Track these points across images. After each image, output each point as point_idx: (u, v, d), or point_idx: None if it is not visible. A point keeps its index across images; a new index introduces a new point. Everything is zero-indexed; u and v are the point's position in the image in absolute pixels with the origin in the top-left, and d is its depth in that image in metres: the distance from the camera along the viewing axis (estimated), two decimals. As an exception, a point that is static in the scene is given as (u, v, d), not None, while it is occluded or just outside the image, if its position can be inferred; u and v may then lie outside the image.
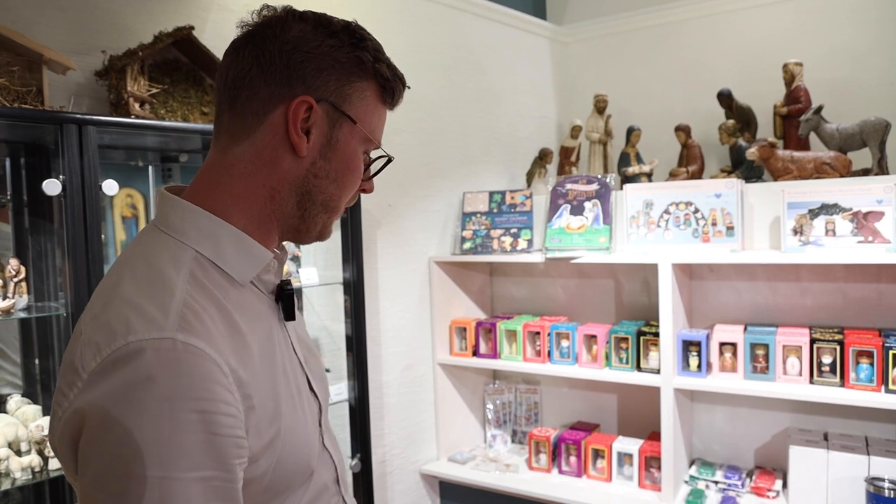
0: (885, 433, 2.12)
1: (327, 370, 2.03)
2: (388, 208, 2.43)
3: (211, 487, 0.66)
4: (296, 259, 1.98)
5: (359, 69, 0.81)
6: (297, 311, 0.90)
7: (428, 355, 2.59)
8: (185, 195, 0.80)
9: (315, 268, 1.95)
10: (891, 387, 1.88)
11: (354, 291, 1.93)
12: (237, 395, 0.70)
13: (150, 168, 1.86)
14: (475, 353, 2.55)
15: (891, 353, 1.87)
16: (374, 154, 0.87)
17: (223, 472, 0.67)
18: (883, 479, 1.88)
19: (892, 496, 1.84)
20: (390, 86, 0.85)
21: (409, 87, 0.88)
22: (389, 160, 0.89)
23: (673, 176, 2.61)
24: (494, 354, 2.51)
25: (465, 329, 2.59)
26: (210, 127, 1.53)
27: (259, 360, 0.75)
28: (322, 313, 2.20)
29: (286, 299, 0.86)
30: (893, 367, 1.87)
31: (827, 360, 1.98)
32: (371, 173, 0.88)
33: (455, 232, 2.66)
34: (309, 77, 0.79)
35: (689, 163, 2.62)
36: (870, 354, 1.91)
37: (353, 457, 1.96)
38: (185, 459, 0.64)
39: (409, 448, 2.55)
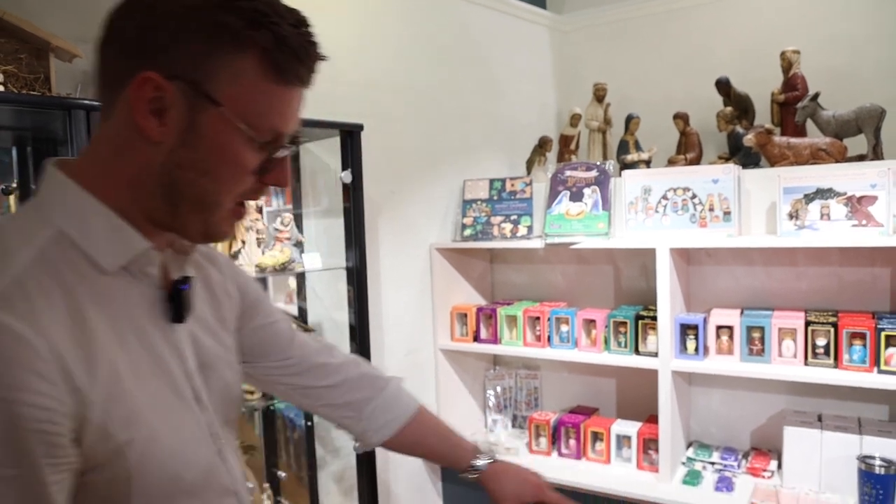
0: (878, 414, 2.16)
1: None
2: (390, 195, 2.46)
3: (9, 487, 0.58)
4: (299, 244, 2.01)
5: (227, 38, 0.66)
6: (210, 315, 0.86)
7: (429, 341, 2.63)
8: (68, 167, 0.72)
9: (318, 253, 1.98)
10: (883, 367, 1.91)
11: (357, 278, 1.97)
12: (62, 388, 0.61)
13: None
14: (476, 338, 2.59)
15: (883, 334, 1.91)
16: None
17: (23, 471, 0.59)
18: (874, 458, 1.92)
19: (882, 473, 1.88)
20: (277, 57, 0.68)
21: (324, 58, 0.73)
22: (295, 142, 0.76)
23: (671, 163, 2.64)
24: (495, 340, 2.54)
25: (465, 315, 2.62)
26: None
27: (112, 356, 0.67)
28: (325, 299, 2.24)
29: (178, 299, 0.77)
30: (886, 348, 1.91)
31: (821, 342, 2.01)
32: (272, 166, 0.74)
33: (456, 219, 2.70)
34: (162, 48, 0.66)
35: (688, 150, 2.64)
36: (863, 336, 1.95)
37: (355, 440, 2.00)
38: None
39: (411, 432, 2.58)
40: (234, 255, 1.89)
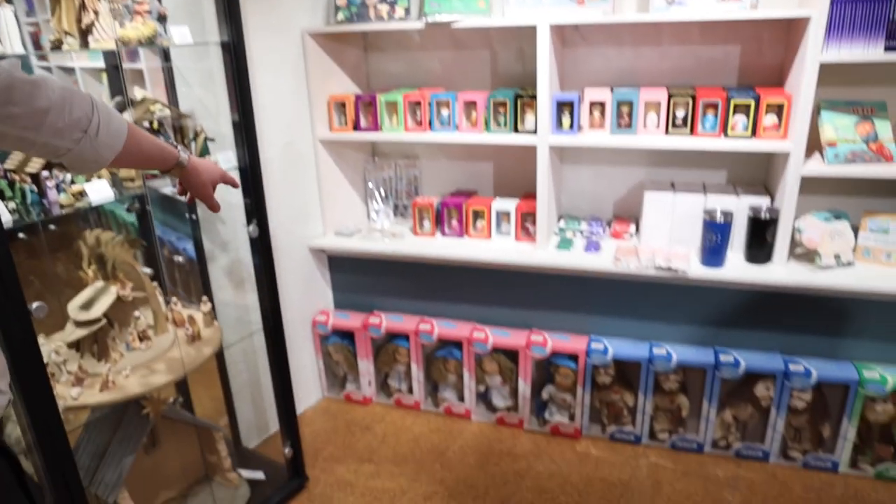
0: (719, 178, 2.47)
1: (211, 139, 1.95)
2: (252, -31, 2.21)
3: None
4: (162, 18, 1.79)
5: None
6: None
7: (307, 132, 2.55)
8: None
9: (187, 27, 1.78)
10: (729, 133, 2.16)
11: (235, 54, 1.80)
12: None
13: None
14: (356, 127, 2.55)
15: (732, 102, 2.13)
16: None
17: None
18: (716, 210, 2.23)
19: (721, 221, 2.19)
20: None
21: None
22: None
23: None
24: (375, 127, 2.52)
25: (343, 104, 2.55)
26: None
27: None
28: (194, 80, 2.05)
29: None
30: (733, 115, 2.14)
31: (680, 113, 2.21)
32: None
33: (329, 1, 2.51)
34: None
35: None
36: (715, 106, 2.16)
37: (248, 223, 1.97)
38: None
39: (297, 225, 2.59)
40: (87, 29, 1.65)
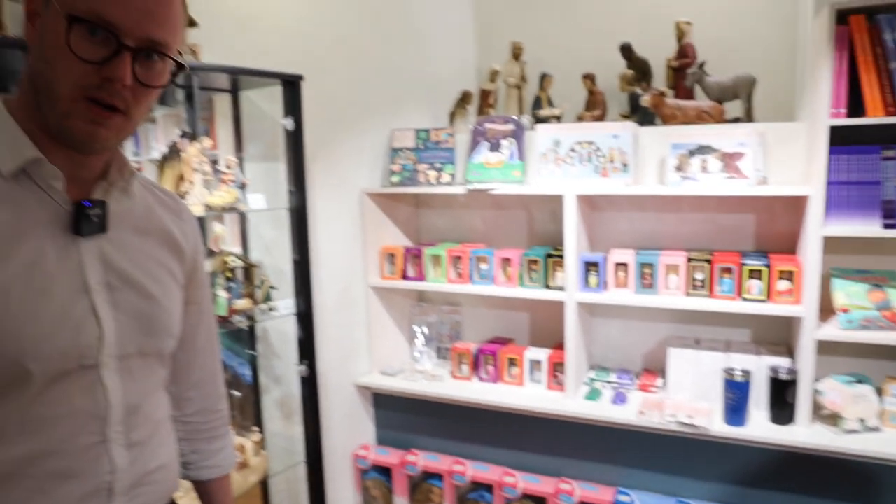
0: (742, 336, 2.58)
1: (274, 287, 2.25)
2: (322, 143, 2.61)
3: None
4: (243, 186, 2.16)
5: None
6: (140, 247, 0.95)
7: (360, 279, 2.85)
8: (7, 99, 0.87)
9: (262, 194, 2.14)
10: (745, 296, 2.30)
11: (299, 218, 2.14)
12: None
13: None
14: (404, 276, 2.83)
15: (746, 268, 2.29)
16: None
17: None
18: (735, 369, 2.33)
19: (741, 381, 2.29)
20: None
21: None
22: (101, 28, 0.79)
23: (579, 119, 2.94)
24: (421, 277, 2.80)
25: (394, 255, 2.85)
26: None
27: None
28: (265, 238, 2.40)
29: (79, 215, 0.87)
30: (748, 280, 2.30)
31: (699, 276, 2.38)
32: (103, 56, 0.80)
33: (384, 166, 2.90)
34: None
35: (594, 107, 2.94)
36: (730, 270, 2.33)
37: (300, 363, 2.21)
38: None
39: (345, 363, 2.82)
40: (183, 195, 2.02)
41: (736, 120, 2.59)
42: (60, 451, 0.85)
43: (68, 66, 0.79)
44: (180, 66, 0.88)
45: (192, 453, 1.18)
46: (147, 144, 2.39)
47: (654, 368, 2.72)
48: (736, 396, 2.27)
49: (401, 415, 2.94)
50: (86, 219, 0.88)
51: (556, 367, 2.66)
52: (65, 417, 0.85)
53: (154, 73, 0.85)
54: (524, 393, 2.67)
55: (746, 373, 2.30)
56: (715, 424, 2.29)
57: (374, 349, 2.92)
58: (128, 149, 2.26)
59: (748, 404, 2.30)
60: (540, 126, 2.63)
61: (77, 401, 0.86)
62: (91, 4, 0.78)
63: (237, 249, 2.35)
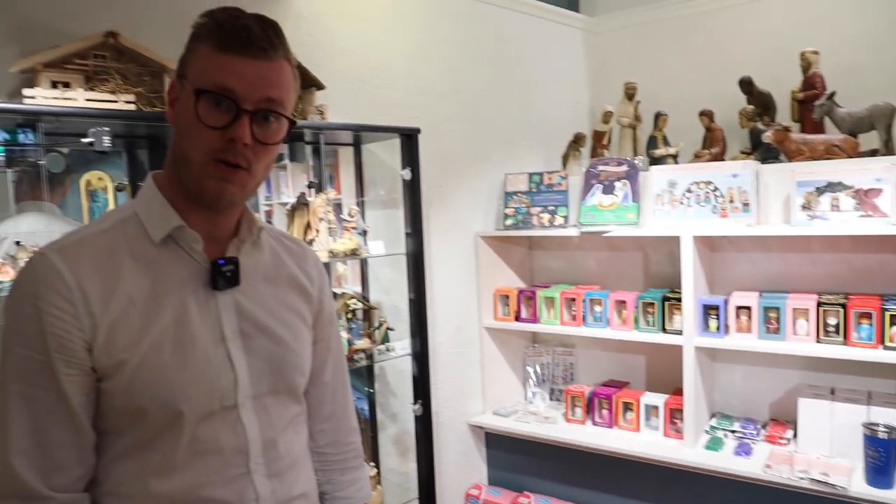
0: (887, 387, 2.36)
1: (391, 329, 2.35)
2: (438, 189, 2.73)
3: (29, 361, 0.88)
4: (364, 233, 2.30)
5: (194, 37, 0.94)
6: (272, 295, 1.05)
7: (475, 320, 2.91)
8: (157, 174, 1.01)
9: (381, 241, 2.27)
10: (888, 344, 2.12)
11: (415, 262, 2.25)
12: (80, 309, 0.88)
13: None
14: (517, 317, 2.86)
15: (888, 314, 2.12)
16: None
17: (41, 356, 0.88)
18: (878, 424, 2.14)
19: (884, 438, 2.10)
20: (220, 31, 0.91)
21: (267, 22, 0.93)
22: (227, 98, 0.90)
23: (697, 157, 2.86)
24: (535, 319, 2.81)
25: (507, 296, 2.89)
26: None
27: (130, 298, 0.92)
28: (385, 278, 2.53)
29: (216, 271, 0.99)
30: (891, 327, 2.12)
31: (832, 321, 2.23)
32: (226, 121, 0.91)
33: (498, 209, 2.96)
34: (180, 61, 0.96)
35: (712, 145, 2.86)
36: (869, 315, 2.16)
37: (415, 402, 2.29)
38: (19, 336, 0.89)
39: (459, 402, 2.87)
40: (310, 242, 2.18)
41: (873, 153, 2.43)
42: (215, 481, 0.97)
43: (199, 133, 0.91)
44: (292, 124, 0.99)
45: (326, 483, 1.23)
46: (278, 190, 2.61)
47: (783, 419, 2.55)
48: (879, 455, 2.09)
49: (513, 455, 2.93)
50: (221, 275, 0.99)
51: (674, 414, 2.56)
52: (215, 452, 0.97)
53: (270, 132, 0.95)
54: (639, 439, 2.59)
55: (892, 429, 2.11)
56: (854, 484, 2.11)
57: (487, 389, 2.95)
58: (261, 194, 2.49)
59: (894, 464, 2.10)
60: (654, 168, 2.59)
61: (223, 438, 0.97)
62: (214, 78, 0.90)
63: (357, 289, 2.49)
